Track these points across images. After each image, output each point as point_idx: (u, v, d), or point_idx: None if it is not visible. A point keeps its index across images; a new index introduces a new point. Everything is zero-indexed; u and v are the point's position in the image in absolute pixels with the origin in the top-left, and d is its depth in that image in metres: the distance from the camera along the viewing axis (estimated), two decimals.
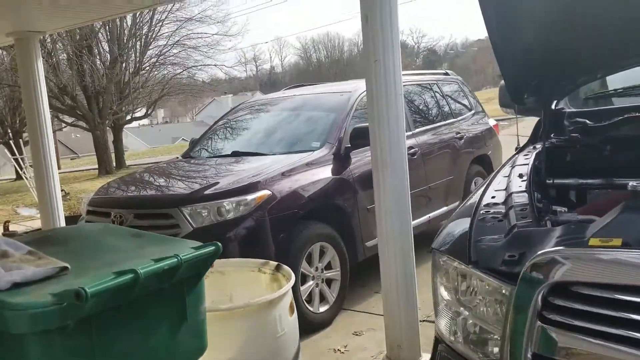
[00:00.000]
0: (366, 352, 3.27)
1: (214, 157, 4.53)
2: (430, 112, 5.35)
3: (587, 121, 2.13)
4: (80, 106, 16.28)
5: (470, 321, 1.57)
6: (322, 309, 3.68)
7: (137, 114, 19.81)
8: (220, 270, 2.51)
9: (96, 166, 17.18)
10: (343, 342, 3.42)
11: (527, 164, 1.98)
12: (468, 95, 6.03)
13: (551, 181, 1.96)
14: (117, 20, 15.39)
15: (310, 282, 3.61)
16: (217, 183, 3.59)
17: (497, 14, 1.80)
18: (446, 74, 6.08)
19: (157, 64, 18.22)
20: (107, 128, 17.40)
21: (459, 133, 5.37)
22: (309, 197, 3.65)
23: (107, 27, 16.11)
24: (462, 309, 1.60)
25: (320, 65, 50.82)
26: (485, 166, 5.75)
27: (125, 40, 16.91)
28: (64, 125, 19.89)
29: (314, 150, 3.98)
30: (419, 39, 55.17)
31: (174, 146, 30.91)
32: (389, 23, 2.69)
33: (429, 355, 1.82)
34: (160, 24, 17.51)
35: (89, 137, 18.33)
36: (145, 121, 30.35)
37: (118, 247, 1.74)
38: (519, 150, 2.31)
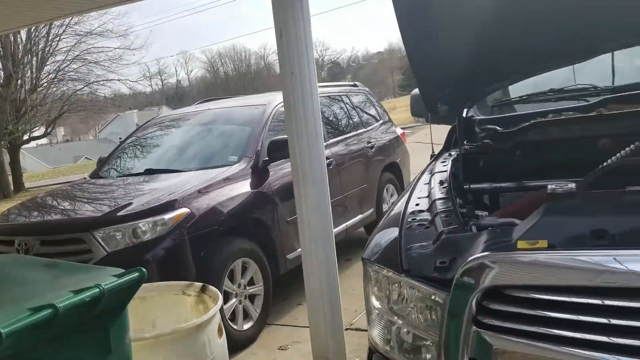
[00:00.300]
0: None
1: (125, 176, 4.33)
2: (342, 122, 5.46)
3: (497, 127, 2.24)
4: None
5: (404, 329, 1.58)
6: (246, 326, 3.62)
7: (36, 133, 18.63)
8: (141, 296, 2.38)
9: None
10: (269, 358, 3.37)
11: (446, 171, 2.04)
12: (375, 106, 6.22)
13: (468, 186, 2.04)
14: (11, 35, 14.43)
15: (233, 300, 3.53)
16: (131, 203, 3.43)
17: (412, 25, 1.84)
18: (354, 85, 6.24)
19: (55, 80, 17.28)
20: (3, 149, 16.23)
21: (370, 142, 5.51)
22: (229, 212, 3.58)
23: (0, 42, 15.08)
24: (395, 317, 1.62)
25: (227, 79, 50.38)
26: (396, 173, 5.95)
27: (20, 57, 15.91)
28: None
29: (231, 165, 3.91)
30: (323, 52, 56.19)
31: (76, 165, 29.43)
32: (303, 36, 2.71)
33: None
34: (58, 38, 16.64)
35: None
36: (43, 140, 28.61)
37: (31, 280, 1.61)
38: (435, 157, 2.38)
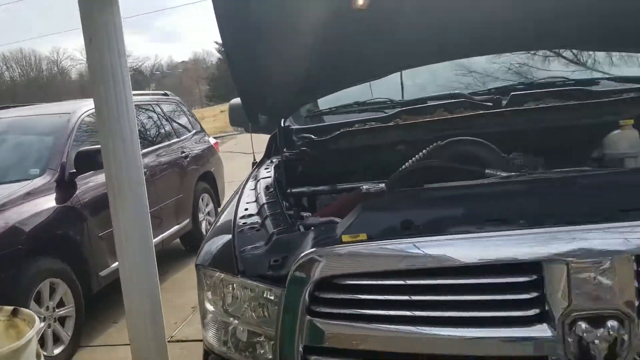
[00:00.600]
0: None
1: None
2: (154, 132, 5.33)
3: (312, 136, 2.44)
4: None
5: (241, 328, 1.65)
6: (57, 350, 3.37)
7: None
8: None
9: None
10: None
11: (270, 177, 2.17)
12: (187, 115, 6.19)
13: (290, 191, 2.19)
14: None
15: (41, 324, 3.25)
16: None
17: (233, 35, 1.92)
18: (165, 94, 6.13)
19: None
20: None
21: (184, 152, 5.47)
22: (32, 230, 3.29)
23: None
24: (231, 319, 1.68)
25: (15, 85, 44.95)
26: (210, 183, 5.99)
27: None
28: None
29: (32, 179, 3.59)
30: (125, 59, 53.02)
31: None
32: (115, 44, 2.62)
33: None
34: None
35: None
36: None
37: None
38: (257, 165, 2.50)
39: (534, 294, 1.26)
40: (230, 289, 1.68)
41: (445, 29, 2.16)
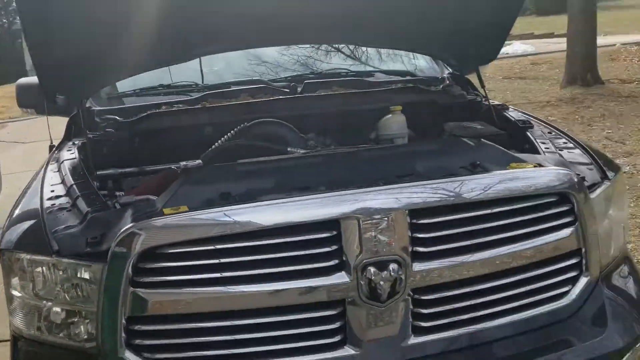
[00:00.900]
0: None
1: None
2: None
3: (117, 117, 2.43)
4: None
5: (55, 309, 1.64)
6: None
7: None
8: None
9: None
10: None
11: (75, 158, 2.12)
12: None
13: (99, 172, 2.17)
14: None
15: None
16: None
17: (32, 11, 1.85)
18: None
19: None
20: None
21: None
22: None
23: None
24: (44, 302, 1.65)
25: None
26: None
27: None
28: None
29: None
30: None
31: None
32: None
33: None
34: None
35: None
36: None
37: None
38: (57, 147, 2.41)
39: (334, 247, 1.51)
40: (42, 270, 1.65)
41: (242, 19, 2.33)
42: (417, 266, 1.54)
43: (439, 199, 1.57)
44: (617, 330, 1.72)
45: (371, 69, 3.01)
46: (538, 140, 2.08)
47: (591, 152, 2.02)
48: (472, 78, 2.80)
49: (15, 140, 10.13)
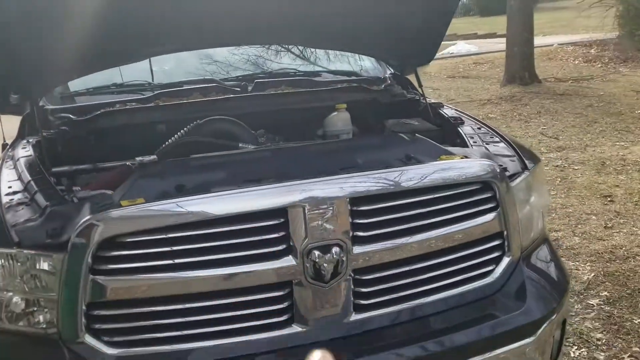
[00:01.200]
0: None
1: None
2: None
3: (71, 116, 2.50)
4: None
5: (16, 299, 1.72)
6: None
7: None
8: None
9: None
10: None
11: (30, 156, 2.18)
12: None
13: (54, 169, 2.23)
14: None
15: None
16: None
17: None
18: None
19: None
20: None
21: None
22: None
23: None
24: (5, 292, 1.73)
25: None
26: None
27: None
28: None
29: None
30: None
31: None
32: None
33: None
34: None
35: None
36: None
37: None
38: (10, 146, 2.45)
39: (281, 234, 1.66)
40: (2, 263, 1.73)
41: (193, 20, 2.44)
42: (357, 249, 1.71)
43: (375, 188, 1.73)
44: (535, 304, 1.93)
45: (319, 69, 3.17)
46: (467, 135, 2.29)
47: (514, 145, 2.24)
48: (421, 77, 2.99)
49: None
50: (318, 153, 2.03)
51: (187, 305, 1.64)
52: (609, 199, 4.96)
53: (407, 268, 1.79)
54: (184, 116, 2.41)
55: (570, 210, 4.79)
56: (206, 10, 2.36)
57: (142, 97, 2.63)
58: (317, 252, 1.66)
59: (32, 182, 1.93)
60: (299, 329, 1.71)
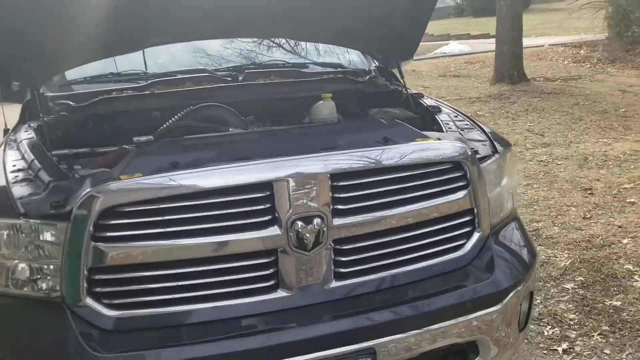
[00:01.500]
0: None
1: None
2: None
3: (71, 102, 2.64)
4: None
5: (22, 266, 1.86)
6: None
7: None
8: None
9: None
10: None
11: (33, 138, 2.32)
12: None
13: (55, 152, 2.37)
14: None
15: None
16: None
17: None
18: None
19: None
20: None
21: None
22: None
23: None
24: (10, 261, 1.87)
25: None
26: None
27: None
28: None
29: None
30: None
31: None
32: None
33: None
34: None
35: None
36: None
37: None
38: (13, 130, 2.59)
39: (267, 205, 1.81)
40: (9, 232, 1.87)
41: (188, 14, 2.59)
42: (337, 221, 1.86)
43: (354, 165, 1.89)
44: (502, 276, 2.09)
45: (307, 61, 3.32)
46: (444, 122, 2.45)
47: (487, 132, 2.40)
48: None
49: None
50: (302, 134, 2.19)
51: (181, 271, 1.79)
52: (589, 192, 5.14)
53: (383, 239, 1.95)
54: (178, 103, 2.56)
55: (552, 202, 4.96)
56: (199, 5, 2.51)
57: (138, 85, 2.77)
58: (300, 223, 1.81)
59: (35, 161, 2.07)
60: (284, 294, 1.86)
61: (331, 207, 1.85)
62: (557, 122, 7.86)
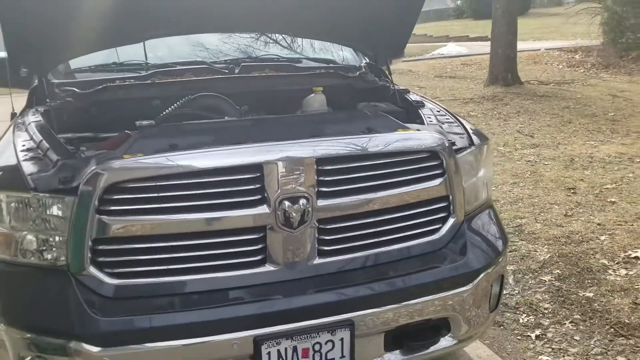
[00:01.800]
0: None
1: None
2: None
3: (76, 89, 2.80)
4: None
5: (30, 237, 2.02)
6: None
7: None
8: None
9: None
10: None
11: (40, 121, 2.48)
12: None
13: (60, 135, 2.53)
14: None
15: None
16: None
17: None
18: None
19: None
20: None
21: None
22: None
23: None
24: (20, 232, 2.02)
25: None
26: None
27: None
28: None
29: None
30: None
31: None
32: None
33: None
34: None
35: None
36: None
37: None
38: (20, 114, 2.75)
39: (257, 186, 1.97)
40: (19, 205, 2.02)
41: (189, 8, 2.75)
42: (321, 202, 2.03)
43: (338, 151, 2.06)
44: (474, 258, 2.26)
45: (300, 56, 3.49)
46: (426, 116, 2.62)
47: (465, 126, 2.56)
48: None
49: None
50: (291, 122, 2.36)
51: (177, 244, 1.95)
52: (572, 191, 5.32)
53: (364, 221, 2.11)
54: (177, 93, 2.72)
55: (536, 200, 5.14)
56: (198, 0, 2.68)
57: (139, 75, 2.94)
58: (287, 203, 1.97)
59: (44, 141, 2.23)
60: (271, 268, 2.03)
61: (316, 189, 2.02)
62: (547, 124, 8.04)
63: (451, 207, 2.27)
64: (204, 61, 3.13)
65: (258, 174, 1.97)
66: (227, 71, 3.01)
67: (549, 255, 4.07)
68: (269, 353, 1.94)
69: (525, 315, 3.36)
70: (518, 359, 2.98)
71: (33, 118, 2.55)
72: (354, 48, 3.42)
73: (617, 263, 3.90)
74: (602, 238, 4.29)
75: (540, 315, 3.35)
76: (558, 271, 3.84)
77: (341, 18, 2.92)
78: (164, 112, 2.54)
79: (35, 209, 2.00)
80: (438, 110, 2.76)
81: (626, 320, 3.21)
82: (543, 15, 27.29)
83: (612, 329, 3.15)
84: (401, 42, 3.09)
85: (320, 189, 2.03)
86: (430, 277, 2.17)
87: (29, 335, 1.95)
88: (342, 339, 2.01)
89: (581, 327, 3.21)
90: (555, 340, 3.11)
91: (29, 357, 1.96)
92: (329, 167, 2.04)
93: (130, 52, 3.15)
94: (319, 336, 1.99)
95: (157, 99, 2.79)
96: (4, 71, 2.72)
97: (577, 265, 3.90)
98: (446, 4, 40.67)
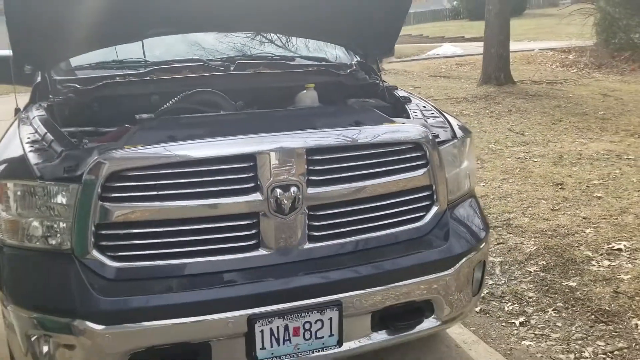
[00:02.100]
0: None
1: None
2: None
3: (78, 85, 2.92)
4: None
5: (35, 223, 2.14)
6: None
7: None
8: None
9: None
10: None
11: (44, 115, 2.60)
12: None
13: (64, 129, 2.65)
14: None
15: None
16: None
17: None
18: None
19: None
20: None
21: None
22: None
23: None
24: (26, 219, 2.15)
25: None
26: None
27: None
28: None
29: None
30: None
31: None
32: None
33: None
34: None
35: None
36: None
37: None
38: (24, 108, 2.87)
39: (251, 174, 2.10)
40: (26, 193, 2.15)
41: (187, 7, 2.88)
42: (311, 190, 2.15)
43: (327, 142, 2.19)
44: (456, 243, 2.39)
45: (294, 55, 3.62)
46: (412, 110, 2.75)
47: (449, 120, 2.70)
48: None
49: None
50: (283, 116, 2.49)
51: (175, 229, 2.08)
52: (560, 187, 5.46)
53: (352, 208, 2.24)
54: (175, 89, 2.85)
55: (524, 196, 5.28)
56: (194, 2, 2.81)
57: (138, 72, 3.06)
58: (279, 190, 2.10)
59: (48, 134, 2.35)
60: (264, 253, 2.15)
61: (306, 177, 2.14)
62: (538, 122, 8.18)
63: (434, 196, 2.39)
64: (201, 59, 3.25)
65: (251, 163, 2.09)
66: (223, 68, 3.14)
67: (535, 247, 4.20)
68: (262, 331, 2.06)
69: (510, 303, 3.49)
70: (502, 344, 3.11)
71: (37, 112, 2.67)
72: (345, 47, 3.56)
73: (600, 254, 4.04)
74: (587, 231, 4.43)
75: (525, 303, 3.49)
76: (543, 262, 3.97)
77: (333, 18, 3.05)
78: (163, 107, 2.66)
79: (41, 196, 2.13)
80: (424, 105, 2.89)
81: (607, 308, 3.34)
82: (538, 16, 27.47)
83: (593, 316, 3.28)
84: (390, 41, 3.22)
85: (310, 177, 2.15)
86: (414, 261, 2.30)
87: (35, 315, 2.07)
88: (330, 319, 2.14)
89: (563, 314, 3.34)
90: (538, 326, 3.24)
91: (36, 336, 2.08)
92: (319, 157, 2.17)
93: (129, 50, 3.27)
94: (309, 315, 2.11)
95: (156, 95, 2.91)
96: (7, 69, 2.84)
97: (562, 257, 4.03)
98: (442, 4, 40.89)
